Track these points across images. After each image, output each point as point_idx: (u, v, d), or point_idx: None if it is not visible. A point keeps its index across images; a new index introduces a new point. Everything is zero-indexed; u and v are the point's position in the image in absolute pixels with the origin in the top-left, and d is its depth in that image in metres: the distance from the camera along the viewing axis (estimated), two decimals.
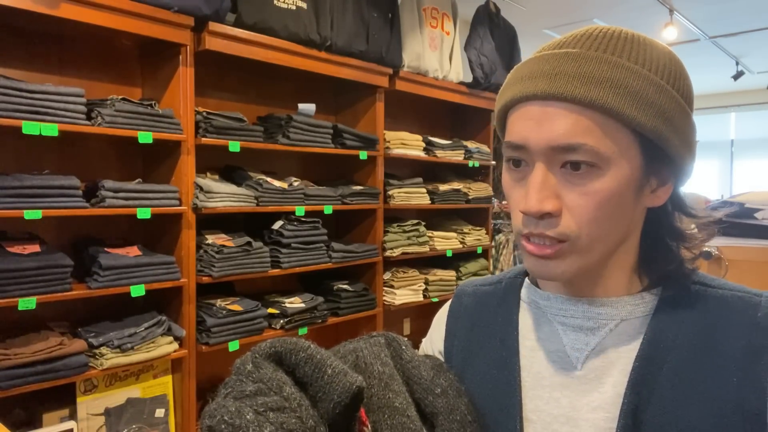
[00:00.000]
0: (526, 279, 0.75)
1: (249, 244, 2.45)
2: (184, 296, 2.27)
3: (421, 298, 3.36)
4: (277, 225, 2.64)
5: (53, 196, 1.92)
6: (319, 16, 2.68)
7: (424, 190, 3.38)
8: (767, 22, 5.05)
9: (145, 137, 2.11)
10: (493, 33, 3.76)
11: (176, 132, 2.22)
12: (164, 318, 2.22)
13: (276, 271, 2.58)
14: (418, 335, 2.72)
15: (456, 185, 3.63)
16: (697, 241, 0.67)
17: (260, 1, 2.45)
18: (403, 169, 3.53)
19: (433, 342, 0.81)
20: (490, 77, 3.65)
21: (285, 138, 2.61)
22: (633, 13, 4.77)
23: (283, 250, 2.59)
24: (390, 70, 3.08)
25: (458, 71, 3.57)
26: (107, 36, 2.25)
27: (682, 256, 0.66)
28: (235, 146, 2.40)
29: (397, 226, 3.25)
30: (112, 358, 2.02)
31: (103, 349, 2.02)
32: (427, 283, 3.39)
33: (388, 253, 3.13)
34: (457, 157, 3.60)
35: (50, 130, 1.88)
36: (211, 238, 2.41)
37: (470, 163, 3.70)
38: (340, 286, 2.96)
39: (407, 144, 3.27)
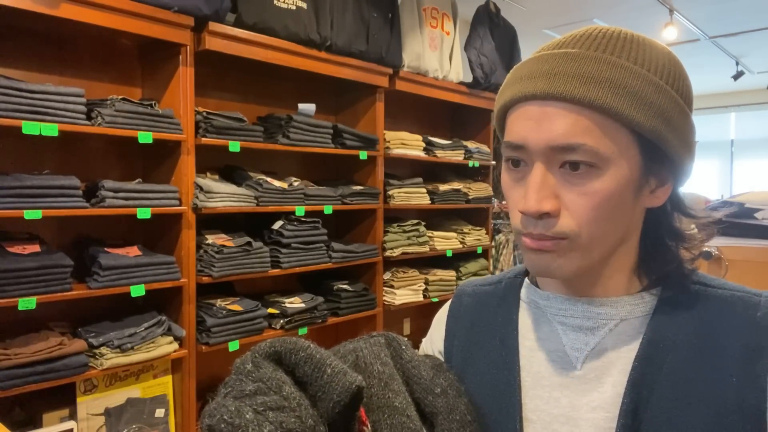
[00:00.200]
0: (526, 279, 0.75)
1: (249, 244, 2.45)
2: (184, 296, 2.27)
3: (421, 298, 3.36)
4: (277, 225, 2.64)
5: (53, 196, 1.92)
6: (319, 16, 2.68)
7: (424, 190, 3.38)
8: (767, 22, 5.05)
9: (145, 137, 2.11)
10: (493, 33, 3.76)
11: (176, 132, 2.22)
12: (164, 318, 2.22)
13: (276, 271, 2.58)
14: (418, 335, 2.73)
15: (456, 185, 3.63)
16: (697, 241, 0.67)
17: (260, 1, 2.45)
18: (403, 169, 3.53)
19: (433, 342, 0.81)
20: (490, 77, 3.65)
21: (285, 138, 2.61)
22: (633, 13, 4.77)
23: (283, 250, 2.59)
24: (390, 70, 3.08)
25: (458, 71, 3.57)
26: (107, 36, 2.25)
27: (681, 256, 0.66)
28: (235, 146, 2.40)
29: (397, 226, 3.26)
30: (112, 358, 2.02)
31: (103, 349, 2.02)
32: (427, 283, 3.39)
33: (388, 253, 3.13)
34: (457, 157, 3.60)
35: (50, 130, 1.88)
36: (211, 238, 2.41)
37: (470, 163, 3.70)
38: (340, 286, 2.96)
39: (407, 144, 3.27)
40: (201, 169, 2.44)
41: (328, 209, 2.78)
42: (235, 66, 2.67)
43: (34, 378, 1.85)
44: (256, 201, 2.49)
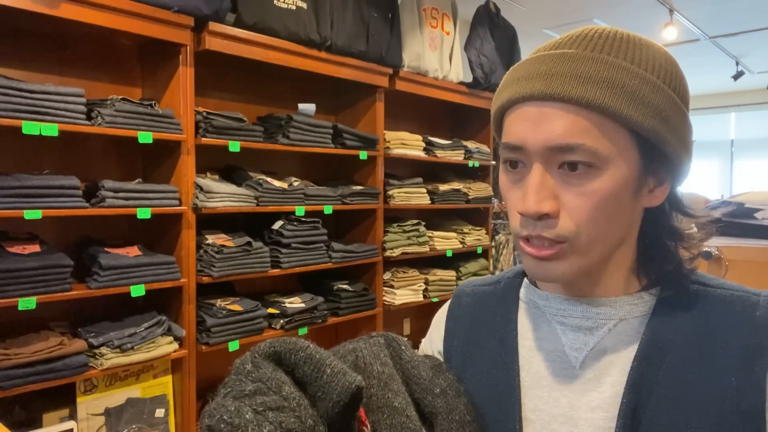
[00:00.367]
0: (525, 279, 0.75)
1: (249, 244, 2.45)
2: (184, 296, 2.27)
3: (421, 298, 3.36)
4: (277, 225, 2.64)
5: (53, 196, 1.92)
6: (319, 16, 2.68)
7: (424, 190, 3.38)
8: (767, 22, 5.05)
9: (145, 137, 2.11)
10: (493, 33, 3.76)
11: (176, 132, 2.22)
12: (164, 318, 2.22)
13: (276, 271, 2.58)
14: (418, 335, 2.73)
15: (456, 185, 3.63)
16: (695, 240, 0.67)
17: (260, 1, 2.45)
18: (403, 169, 3.54)
19: (433, 342, 0.81)
20: (490, 77, 3.65)
21: (285, 138, 2.61)
22: (633, 13, 4.77)
23: (283, 250, 2.59)
24: (390, 70, 3.08)
25: (458, 71, 3.57)
26: (107, 36, 2.25)
27: (680, 256, 0.66)
28: (235, 146, 2.40)
29: (397, 226, 3.26)
30: (112, 358, 2.02)
31: (103, 349, 2.02)
32: (427, 283, 3.39)
33: (388, 253, 3.13)
34: (457, 157, 3.60)
35: (50, 130, 1.88)
36: (211, 238, 2.41)
37: (470, 163, 3.71)
38: (340, 286, 2.96)
39: (407, 144, 3.27)
40: (201, 169, 2.44)
41: (328, 209, 2.78)
42: (235, 66, 2.67)
43: (34, 378, 1.85)
44: (256, 201, 2.49)
